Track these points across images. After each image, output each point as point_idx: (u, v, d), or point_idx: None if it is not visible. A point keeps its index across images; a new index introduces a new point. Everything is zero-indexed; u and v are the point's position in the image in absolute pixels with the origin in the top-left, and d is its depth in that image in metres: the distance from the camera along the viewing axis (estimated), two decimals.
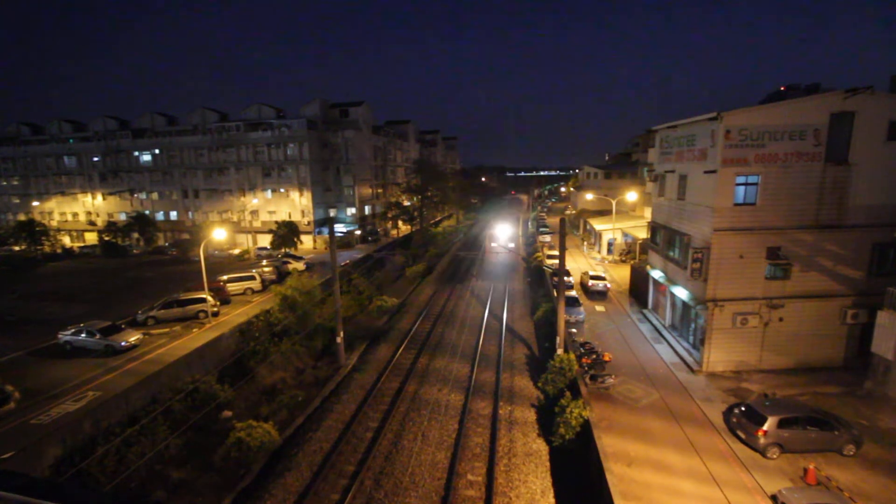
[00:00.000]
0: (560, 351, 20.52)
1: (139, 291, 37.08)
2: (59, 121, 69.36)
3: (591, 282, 33.88)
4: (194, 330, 27.90)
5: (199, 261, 30.38)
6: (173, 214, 64.31)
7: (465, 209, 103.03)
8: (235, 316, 30.19)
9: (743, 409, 16.25)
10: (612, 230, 46.83)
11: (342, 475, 15.06)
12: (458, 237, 69.27)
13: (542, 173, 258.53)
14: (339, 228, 59.65)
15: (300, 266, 42.98)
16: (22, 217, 63.26)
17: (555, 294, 24.72)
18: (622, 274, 38.87)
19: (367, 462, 15.51)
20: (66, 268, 50.57)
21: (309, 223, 58.37)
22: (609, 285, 34.49)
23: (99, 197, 66.63)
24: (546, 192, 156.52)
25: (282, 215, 57.89)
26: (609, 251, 47.62)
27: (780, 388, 19.38)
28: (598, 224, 50.53)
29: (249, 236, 59.44)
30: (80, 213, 68.32)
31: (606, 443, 15.05)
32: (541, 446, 16.44)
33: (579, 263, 45.10)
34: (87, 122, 68.06)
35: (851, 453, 15.00)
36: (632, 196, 51.10)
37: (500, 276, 42.46)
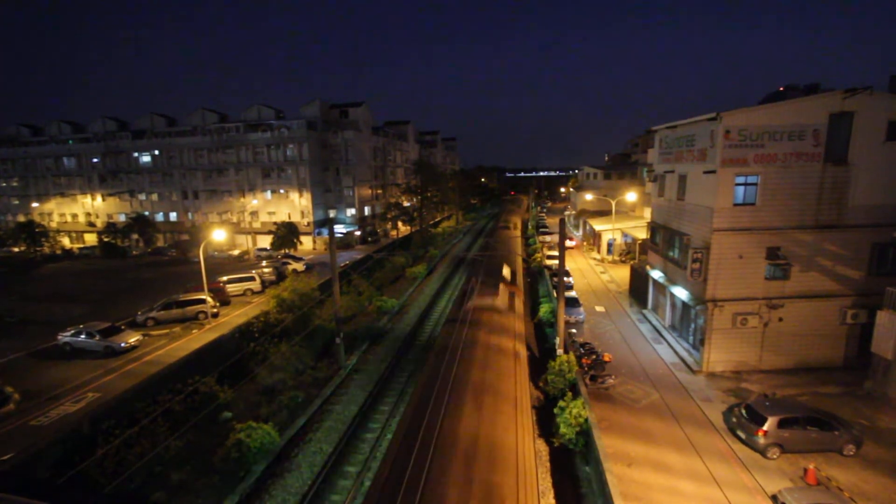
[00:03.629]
0: (560, 351, 20.51)
1: (139, 292, 37.09)
2: (58, 122, 69.40)
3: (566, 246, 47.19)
4: (194, 331, 27.90)
5: (199, 262, 30.39)
6: (173, 215, 64.32)
7: (464, 210, 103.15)
8: (235, 317, 30.19)
9: (743, 409, 16.25)
10: (612, 230, 46.85)
11: (343, 476, 15.07)
12: (459, 237, 69.27)
13: (541, 174, 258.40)
14: (339, 229, 59.67)
15: (300, 267, 43.03)
16: (21, 218, 63.33)
17: (554, 294, 24.72)
18: (622, 274, 38.89)
19: (368, 463, 15.51)
20: (66, 269, 50.58)
21: (309, 224, 58.38)
22: (574, 241, 53.33)
23: (98, 198, 66.65)
24: (546, 194, 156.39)
25: (281, 216, 57.92)
26: (609, 251, 47.64)
27: (780, 388, 19.38)
28: (597, 224, 50.53)
29: (249, 237, 59.48)
30: (79, 215, 68.32)
31: (606, 443, 15.04)
32: (541, 447, 16.43)
33: (579, 264, 45.16)
34: (86, 123, 68.11)
35: (852, 453, 15.00)
36: (631, 196, 51.12)
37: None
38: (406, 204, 65.95)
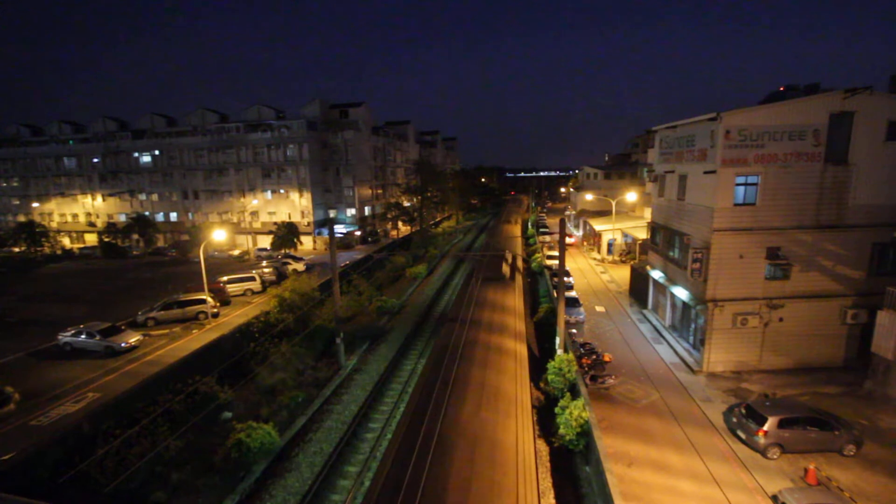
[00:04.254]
0: (560, 351, 20.50)
1: (139, 293, 37.08)
2: (58, 122, 69.41)
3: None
4: (194, 331, 27.89)
5: (199, 262, 30.39)
6: (173, 215, 64.32)
7: (464, 210, 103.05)
8: (235, 317, 30.18)
9: (743, 409, 16.25)
10: (612, 230, 46.84)
11: (343, 476, 15.07)
12: (458, 237, 69.26)
13: (541, 174, 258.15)
14: (339, 229, 59.68)
15: (300, 267, 43.01)
16: (22, 218, 63.34)
17: (554, 294, 24.71)
18: (622, 274, 38.88)
19: (368, 463, 15.51)
20: (66, 269, 50.56)
21: (309, 224, 58.38)
22: (574, 239, 54.26)
23: (99, 198, 66.65)
24: (546, 194, 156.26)
25: (282, 216, 57.92)
26: (609, 251, 47.64)
27: (780, 388, 19.38)
28: (597, 224, 50.52)
29: (249, 237, 59.44)
30: (79, 215, 68.33)
31: (607, 443, 15.03)
32: (541, 447, 16.43)
33: (579, 264, 45.16)
34: (86, 124, 68.12)
35: (852, 453, 15.00)
36: (631, 196, 51.11)
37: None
38: (406, 204, 65.94)
